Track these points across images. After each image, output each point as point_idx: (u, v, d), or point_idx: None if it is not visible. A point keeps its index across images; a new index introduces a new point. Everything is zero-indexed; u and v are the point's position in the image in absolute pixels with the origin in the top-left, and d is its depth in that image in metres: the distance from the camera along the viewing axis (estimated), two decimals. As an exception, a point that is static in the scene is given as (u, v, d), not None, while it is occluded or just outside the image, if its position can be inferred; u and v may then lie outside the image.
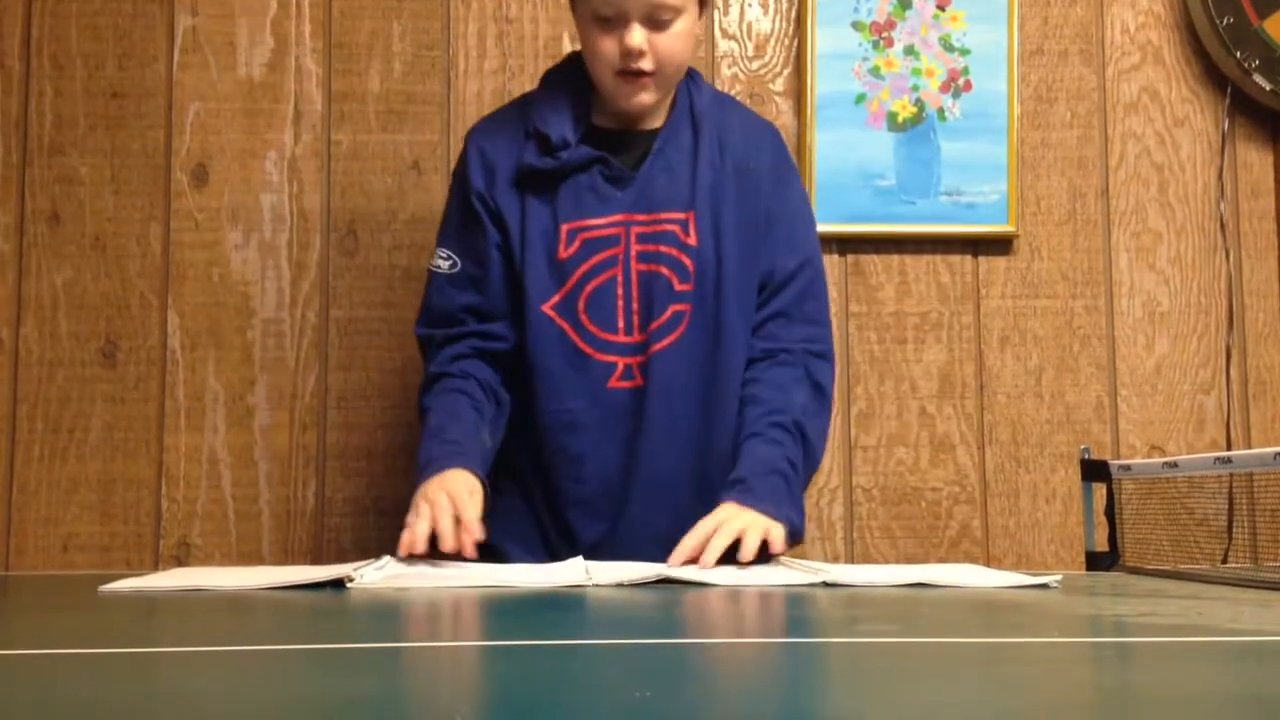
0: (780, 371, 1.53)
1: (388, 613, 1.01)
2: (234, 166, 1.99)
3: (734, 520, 1.36)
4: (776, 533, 1.37)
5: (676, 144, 1.55)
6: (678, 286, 1.51)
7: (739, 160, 1.56)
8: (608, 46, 1.47)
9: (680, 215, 1.52)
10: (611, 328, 1.50)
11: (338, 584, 1.16)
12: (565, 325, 1.50)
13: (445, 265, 1.56)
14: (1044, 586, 1.19)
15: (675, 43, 1.48)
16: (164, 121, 1.99)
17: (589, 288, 1.50)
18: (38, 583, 1.44)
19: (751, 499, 1.39)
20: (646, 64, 1.47)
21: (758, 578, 1.25)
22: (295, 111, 2.00)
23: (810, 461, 1.53)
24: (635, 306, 1.50)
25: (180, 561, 1.93)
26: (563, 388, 1.51)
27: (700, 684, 0.65)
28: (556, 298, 1.50)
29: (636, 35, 1.45)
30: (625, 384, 1.50)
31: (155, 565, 1.92)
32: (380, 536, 1.94)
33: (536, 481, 1.54)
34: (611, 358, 1.51)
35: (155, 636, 0.90)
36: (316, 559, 1.94)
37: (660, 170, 1.53)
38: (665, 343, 1.50)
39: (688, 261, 1.51)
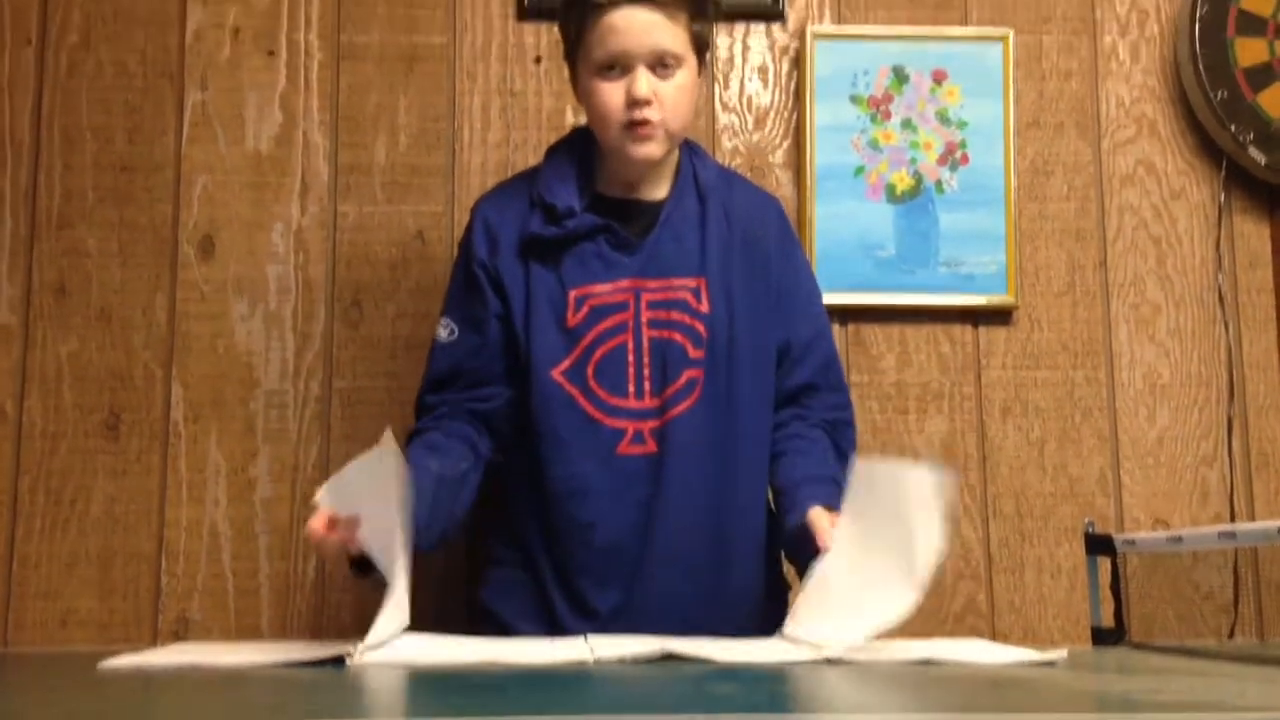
0: (815, 443, 1.57)
1: (387, 690, 1.00)
2: (240, 238, 2.00)
3: None
4: None
5: (683, 213, 1.57)
6: (691, 353, 1.52)
7: (745, 231, 1.59)
8: (614, 97, 1.49)
9: (691, 282, 1.54)
10: (621, 393, 1.51)
11: (337, 661, 1.15)
12: (574, 390, 1.51)
13: (445, 335, 1.58)
14: (1051, 663, 1.18)
15: (679, 95, 1.50)
16: (172, 194, 2.01)
17: (598, 353, 1.52)
18: (36, 659, 1.43)
19: None
20: (653, 113, 1.49)
21: (761, 654, 1.24)
22: (302, 184, 2.02)
23: None
24: (647, 372, 1.51)
25: (179, 637, 1.91)
26: (571, 453, 1.51)
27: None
28: (566, 363, 1.51)
29: (643, 82, 1.47)
30: (636, 449, 1.51)
31: (154, 641, 1.91)
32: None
33: (544, 551, 1.53)
34: (621, 423, 1.51)
35: (153, 713, 0.89)
36: (316, 634, 1.93)
37: (669, 238, 1.55)
38: (680, 408, 1.51)
39: (700, 328, 1.52)
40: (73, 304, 1.97)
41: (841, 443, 1.60)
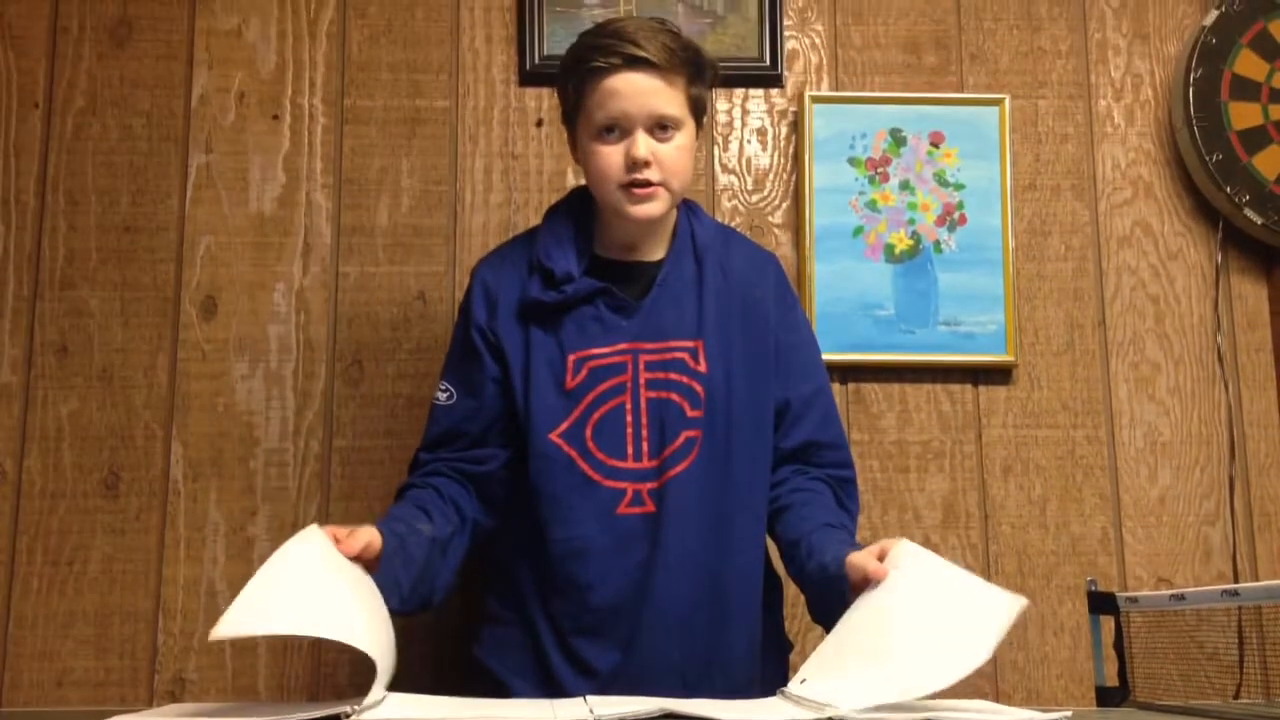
0: (819, 494, 1.57)
1: (385, 751, 0.99)
2: (242, 298, 2.02)
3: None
4: None
5: (680, 274, 1.58)
6: (689, 413, 1.52)
7: (744, 289, 1.59)
8: (613, 159, 1.50)
9: (689, 343, 1.54)
10: (620, 454, 1.51)
11: (334, 721, 1.14)
12: (573, 452, 1.51)
13: (443, 398, 1.58)
14: (1054, 723, 1.17)
15: (678, 155, 1.52)
16: (175, 255, 2.02)
17: (596, 415, 1.52)
18: None
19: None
20: (654, 174, 1.50)
21: (763, 713, 1.23)
22: (305, 245, 2.04)
23: None
24: (645, 433, 1.51)
25: (175, 697, 1.89)
26: (570, 515, 1.50)
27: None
28: (564, 426, 1.51)
29: (641, 145, 1.49)
30: (635, 510, 1.50)
31: (150, 701, 1.89)
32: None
33: (541, 610, 1.52)
34: (620, 484, 1.51)
35: (147, 776, 0.88)
36: (313, 695, 1.91)
37: (667, 300, 1.56)
38: (679, 468, 1.51)
39: (698, 388, 1.53)
40: (74, 364, 1.98)
41: (846, 500, 1.60)
